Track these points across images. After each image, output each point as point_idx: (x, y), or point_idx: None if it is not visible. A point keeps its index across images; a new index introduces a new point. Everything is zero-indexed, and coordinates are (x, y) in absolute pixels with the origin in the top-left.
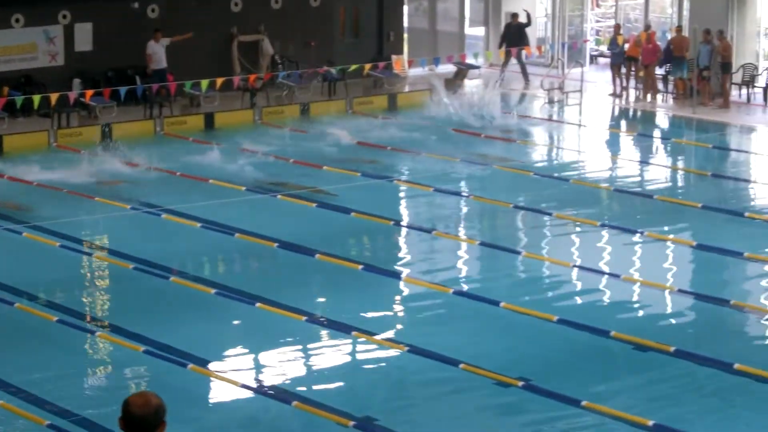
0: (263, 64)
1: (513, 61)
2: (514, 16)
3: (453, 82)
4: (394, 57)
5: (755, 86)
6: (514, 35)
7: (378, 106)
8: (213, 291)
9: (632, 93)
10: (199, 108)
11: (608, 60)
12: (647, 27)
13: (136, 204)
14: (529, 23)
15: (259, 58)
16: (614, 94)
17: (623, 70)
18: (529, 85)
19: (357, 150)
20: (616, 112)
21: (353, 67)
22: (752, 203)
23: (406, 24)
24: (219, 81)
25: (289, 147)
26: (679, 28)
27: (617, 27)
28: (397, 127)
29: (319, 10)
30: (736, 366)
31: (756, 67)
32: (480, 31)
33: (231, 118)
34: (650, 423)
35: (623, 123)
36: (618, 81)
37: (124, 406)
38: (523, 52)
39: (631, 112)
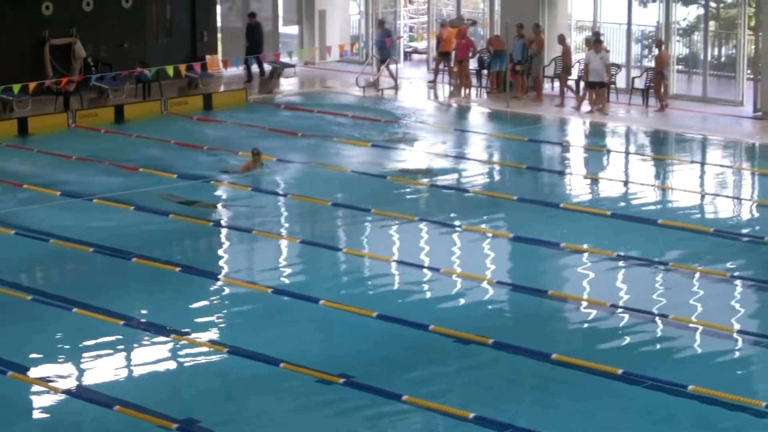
0: (76, 67)
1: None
2: (252, 15)
3: (268, 81)
4: (208, 57)
5: (568, 79)
6: (254, 37)
7: (193, 107)
8: (29, 297)
9: (446, 88)
10: (12, 113)
11: (422, 56)
12: (473, 22)
13: None
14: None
15: (71, 61)
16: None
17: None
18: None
19: (173, 151)
20: (432, 107)
21: (169, 69)
22: (567, 194)
23: (219, 23)
24: (31, 85)
25: (105, 149)
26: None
27: (380, 22)
28: (213, 127)
29: (131, 12)
30: (554, 356)
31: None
32: (294, 29)
33: (45, 122)
34: (471, 415)
35: (439, 118)
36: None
37: None
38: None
39: (445, 108)
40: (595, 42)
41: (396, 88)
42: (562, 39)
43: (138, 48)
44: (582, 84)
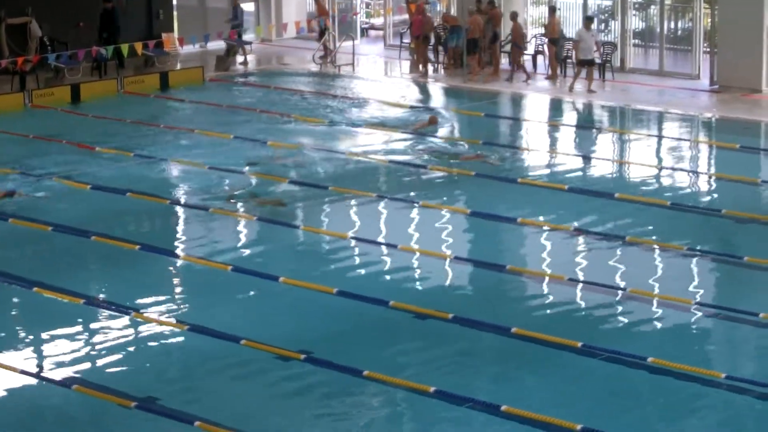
0: (32, 47)
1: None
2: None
3: (224, 59)
4: (164, 35)
5: (524, 54)
6: (106, 22)
7: (150, 85)
8: None
9: (405, 65)
10: None
11: (379, 33)
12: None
13: None
14: (120, 8)
15: (27, 41)
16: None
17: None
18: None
19: (130, 129)
20: (390, 84)
21: (125, 48)
22: (524, 169)
23: (175, 1)
24: None
25: (61, 129)
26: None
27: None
28: (170, 105)
29: None
30: (514, 330)
31: (524, 35)
32: (250, 6)
33: (0, 102)
34: (432, 389)
35: (396, 95)
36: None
37: None
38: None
39: (403, 84)
40: (586, 20)
41: (245, 63)
42: (513, 16)
43: (94, 27)
44: (541, 60)
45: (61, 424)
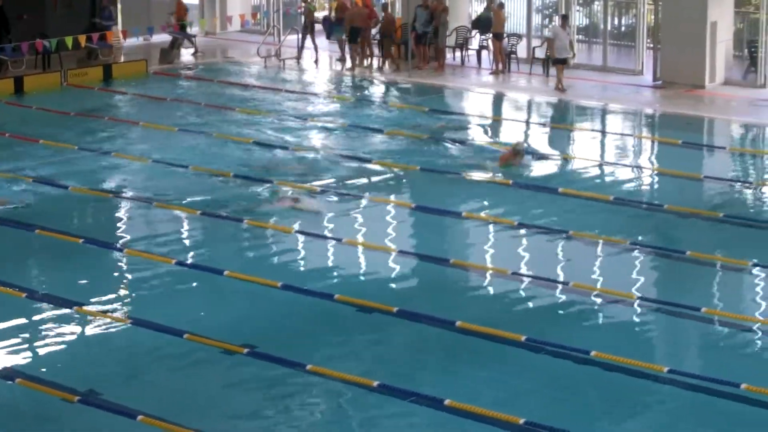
0: None
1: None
2: None
3: (169, 52)
4: None
5: (469, 49)
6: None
7: (93, 78)
8: None
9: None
10: None
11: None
12: None
13: None
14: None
15: None
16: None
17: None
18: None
19: (74, 121)
20: (334, 78)
21: (68, 40)
22: (469, 164)
23: None
24: None
25: (4, 122)
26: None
27: None
28: (114, 98)
29: None
30: (458, 323)
31: (469, 30)
32: None
33: None
34: (375, 383)
35: (341, 89)
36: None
37: None
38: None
39: (347, 78)
40: (562, 18)
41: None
42: (500, 6)
43: (37, 19)
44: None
45: (5, 418)
